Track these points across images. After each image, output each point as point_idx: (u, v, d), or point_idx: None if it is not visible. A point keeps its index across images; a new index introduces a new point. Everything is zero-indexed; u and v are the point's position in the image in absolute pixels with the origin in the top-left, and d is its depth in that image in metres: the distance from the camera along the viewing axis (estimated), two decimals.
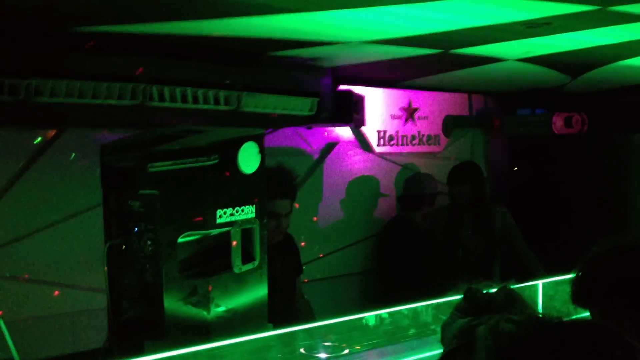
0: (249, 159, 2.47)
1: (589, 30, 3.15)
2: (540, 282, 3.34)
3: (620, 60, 4.01)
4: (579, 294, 1.85)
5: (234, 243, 2.46)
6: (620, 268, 1.81)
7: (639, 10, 2.75)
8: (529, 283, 3.33)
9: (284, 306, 3.32)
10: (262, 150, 2.52)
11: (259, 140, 2.51)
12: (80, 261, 3.46)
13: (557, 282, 3.34)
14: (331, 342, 2.82)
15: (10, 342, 2.04)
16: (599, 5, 2.65)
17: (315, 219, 4.57)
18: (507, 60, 3.93)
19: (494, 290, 1.27)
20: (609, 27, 3.09)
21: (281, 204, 3.24)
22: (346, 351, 2.85)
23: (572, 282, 1.86)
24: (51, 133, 3.44)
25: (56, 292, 3.41)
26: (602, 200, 4.96)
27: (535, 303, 3.30)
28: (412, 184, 4.67)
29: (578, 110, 5.29)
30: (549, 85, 4.99)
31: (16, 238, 3.30)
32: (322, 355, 2.79)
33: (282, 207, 3.25)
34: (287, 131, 4.47)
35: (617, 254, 1.86)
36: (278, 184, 3.20)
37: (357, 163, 4.92)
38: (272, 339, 2.50)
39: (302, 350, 2.73)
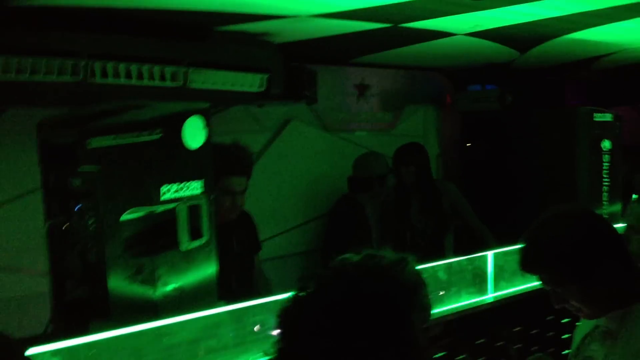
0: (194, 134, 2.41)
1: (534, 2, 3.16)
2: (490, 253, 3.38)
3: (565, 33, 4.05)
4: (527, 261, 1.88)
5: (181, 220, 2.40)
6: (563, 235, 1.85)
7: None
8: (478, 254, 3.37)
9: (241, 284, 3.28)
10: (208, 125, 2.47)
11: (204, 114, 2.46)
12: (25, 244, 3.36)
13: (506, 253, 3.40)
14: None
15: None
16: None
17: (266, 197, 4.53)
18: (457, 34, 3.93)
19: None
20: None
21: (237, 181, 3.20)
22: None
23: (520, 250, 1.88)
24: None
25: None
26: (551, 172, 5.05)
27: (485, 273, 3.34)
28: (360, 165, 4.60)
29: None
30: (498, 60, 5.02)
31: None
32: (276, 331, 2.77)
33: (238, 184, 3.21)
34: (239, 109, 4.41)
35: (560, 221, 1.89)
36: (234, 161, 3.17)
37: (309, 141, 4.89)
38: (222, 316, 2.47)
39: (256, 328, 2.71)
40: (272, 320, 2.72)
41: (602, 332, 1.88)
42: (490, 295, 3.35)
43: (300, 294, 1.34)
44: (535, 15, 3.49)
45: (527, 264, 1.89)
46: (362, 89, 5.14)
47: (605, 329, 1.87)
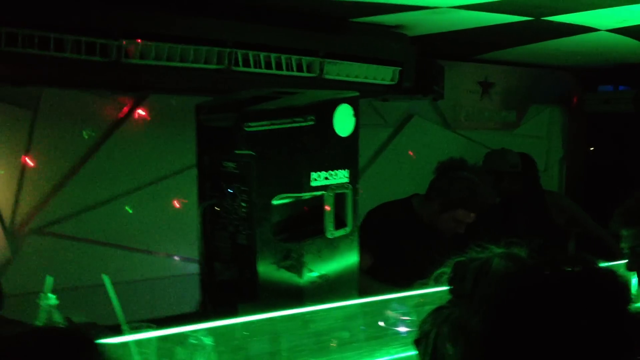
0: (344, 121, 2.40)
1: None
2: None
3: None
4: (628, 213, 1.98)
5: (327, 208, 2.39)
6: None
7: None
8: (616, 262, 3.18)
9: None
10: (356, 113, 2.45)
11: (353, 102, 2.44)
12: (178, 226, 3.46)
13: None
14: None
15: (115, 302, 2.03)
16: None
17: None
18: (600, 30, 3.75)
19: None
20: None
21: (472, 217, 3.25)
22: None
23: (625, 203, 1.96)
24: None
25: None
26: None
27: (629, 282, 3.15)
28: (490, 159, 4.45)
29: None
30: (635, 60, 4.76)
31: (102, 202, 3.33)
32: (402, 329, 2.72)
33: (470, 219, 3.25)
34: (363, 103, 4.38)
35: None
36: (482, 202, 3.24)
37: (431, 137, 4.81)
38: (356, 308, 2.44)
39: (381, 323, 2.67)
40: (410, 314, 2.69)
41: None
42: None
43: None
44: None
45: (628, 215, 1.93)
46: (486, 87, 5.01)
47: None
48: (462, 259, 1.30)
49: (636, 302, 1.80)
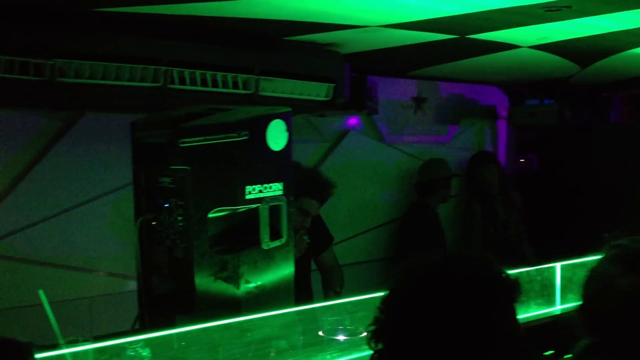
0: (277, 136, 2.48)
1: (607, 15, 3.17)
2: (558, 265, 3.37)
3: (630, 48, 4.05)
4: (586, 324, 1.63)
5: (263, 219, 2.47)
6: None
7: None
8: (547, 265, 3.36)
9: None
10: (289, 128, 2.54)
11: (286, 118, 2.53)
12: (107, 244, 3.46)
13: (574, 265, 3.39)
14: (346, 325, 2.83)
15: (51, 316, 2.04)
16: None
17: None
18: (522, 47, 3.96)
19: None
20: (628, 12, 3.12)
21: (317, 206, 3.42)
22: (364, 334, 2.87)
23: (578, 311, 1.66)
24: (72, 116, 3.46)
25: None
26: (612, 188, 5.00)
27: (554, 285, 3.33)
28: (423, 170, 4.84)
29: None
30: (557, 75, 5.02)
31: (37, 221, 3.30)
32: (340, 337, 2.81)
33: (316, 209, 3.42)
34: (300, 118, 4.49)
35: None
36: (322, 187, 3.45)
37: (367, 151, 4.94)
38: (292, 315, 2.52)
39: (320, 332, 2.75)
40: (337, 328, 2.78)
41: None
42: (557, 307, 3.34)
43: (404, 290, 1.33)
44: (604, 28, 3.50)
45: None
46: (419, 102, 5.19)
47: None
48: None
49: None
